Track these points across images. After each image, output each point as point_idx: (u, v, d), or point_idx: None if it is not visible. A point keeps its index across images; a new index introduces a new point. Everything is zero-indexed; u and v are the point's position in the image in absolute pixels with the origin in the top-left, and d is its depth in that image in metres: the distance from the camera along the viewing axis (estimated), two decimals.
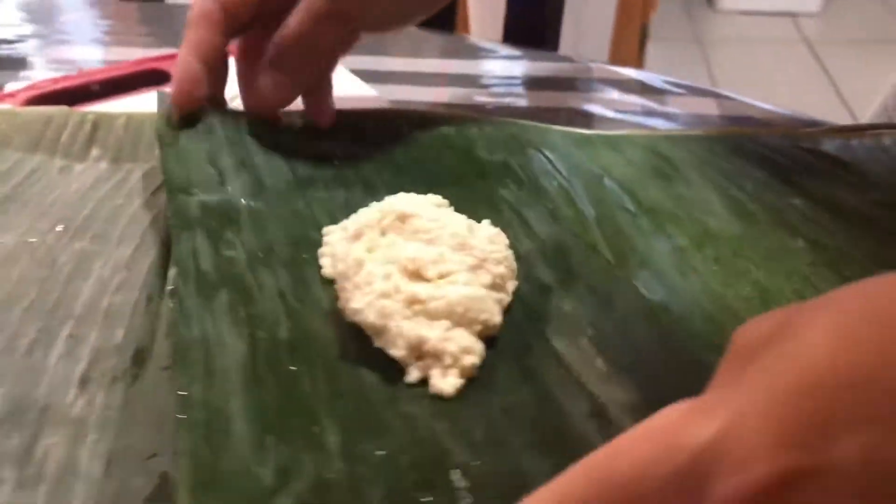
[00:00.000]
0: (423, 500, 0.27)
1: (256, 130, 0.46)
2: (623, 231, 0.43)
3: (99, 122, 0.52)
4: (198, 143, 0.44)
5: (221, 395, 0.30)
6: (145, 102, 0.59)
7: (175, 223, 0.38)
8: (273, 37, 0.44)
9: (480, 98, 0.65)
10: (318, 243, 0.38)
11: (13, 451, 0.29)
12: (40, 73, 0.67)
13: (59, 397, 0.31)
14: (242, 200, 0.40)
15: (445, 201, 0.40)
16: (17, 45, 0.71)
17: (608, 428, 0.30)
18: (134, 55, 0.66)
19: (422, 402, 0.31)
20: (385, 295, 0.32)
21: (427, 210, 0.37)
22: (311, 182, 0.43)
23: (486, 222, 0.38)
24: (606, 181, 0.47)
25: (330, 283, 0.36)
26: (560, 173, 0.47)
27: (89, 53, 0.72)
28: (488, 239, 0.36)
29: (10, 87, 0.61)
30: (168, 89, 0.45)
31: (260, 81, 0.45)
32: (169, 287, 0.36)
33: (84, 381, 0.32)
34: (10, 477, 0.28)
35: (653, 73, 0.71)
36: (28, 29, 0.73)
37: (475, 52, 0.74)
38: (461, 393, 0.31)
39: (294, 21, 0.43)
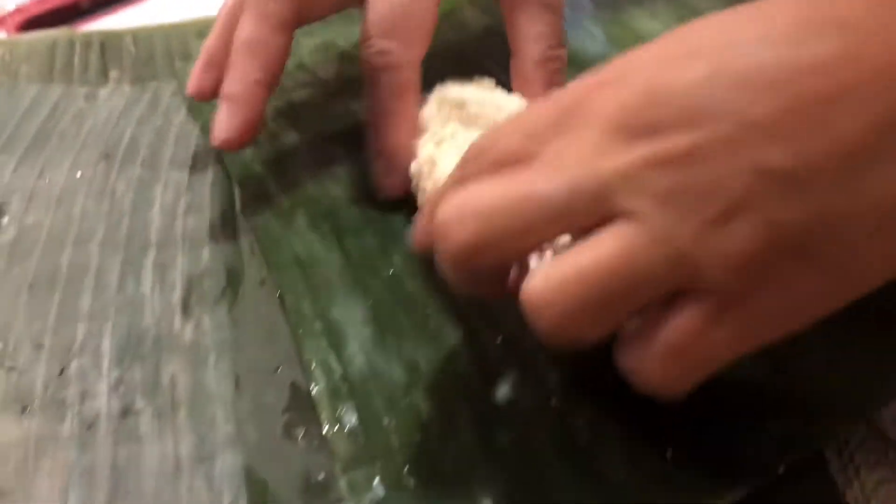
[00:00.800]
0: (554, 377, 0.28)
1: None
2: None
3: (106, 42, 0.51)
4: None
5: (331, 306, 0.31)
6: (141, 14, 0.57)
7: (234, 168, 0.38)
8: None
9: None
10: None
11: (141, 382, 0.30)
12: None
13: (166, 326, 0.32)
14: (289, 129, 0.40)
15: (492, 81, 0.40)
16: None
17: None
18: None
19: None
20: None
21: (480, 94, 0.37)
22: (346, 90, 0.43)
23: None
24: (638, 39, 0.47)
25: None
26: (591, 33, 0.47)
27: None
28: None
29: None
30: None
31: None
32: (238, 204, 0.37)
33: (186, 307, 0.33)
34: (145, 407, 0.29)
35: None
36: None
37: None
38: None
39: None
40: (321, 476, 0.26)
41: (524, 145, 0.23)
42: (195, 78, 0.37)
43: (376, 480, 0.25)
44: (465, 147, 0.33)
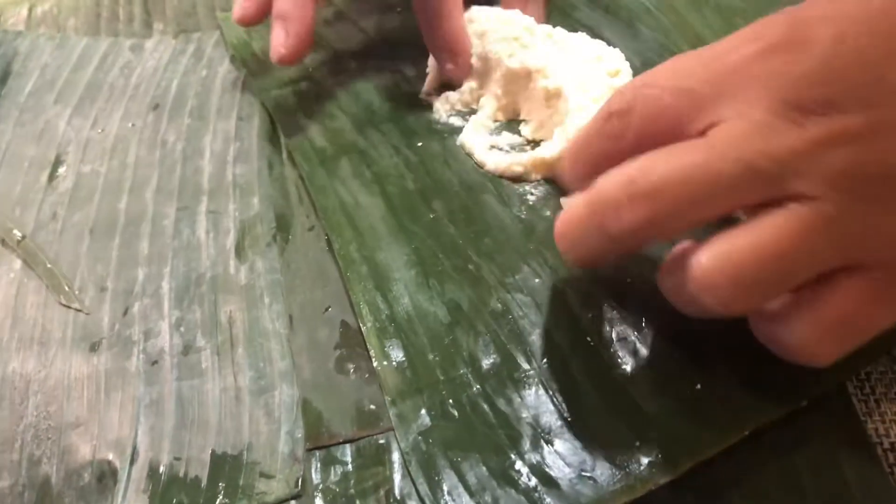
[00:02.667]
0: (589, 315, 0.29)
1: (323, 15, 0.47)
2: (700, 36, 0.43)
3: None
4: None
5: (375, 249, 0.32)
6: None
7: (278, 115, 0.40)
8: None
9: None
10: (414, 92, 0.40)
11: (200, 321, 0.32)
12: None
13: (222, 269, 0.34)
14: (330, 77, 0.41)
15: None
16: None
17: None
18: None
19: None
20: None
21: (486, 11, 0.39)
22: (382, 35, 0.44)
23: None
24: None
25: (436, 130, 0.38)
26: None
27: None
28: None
29: None
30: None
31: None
32: (284, 153, 0.38)
33: (239, 251, 0.34)
34: (206, 345, 0.31)
35: None
36: None
37: None
38: None
39: None
40: (372, 407, 0.28)
41: (680, 108, 0.23)
42: (238, 6, 0.39)
43: (422, 411, 0.27)
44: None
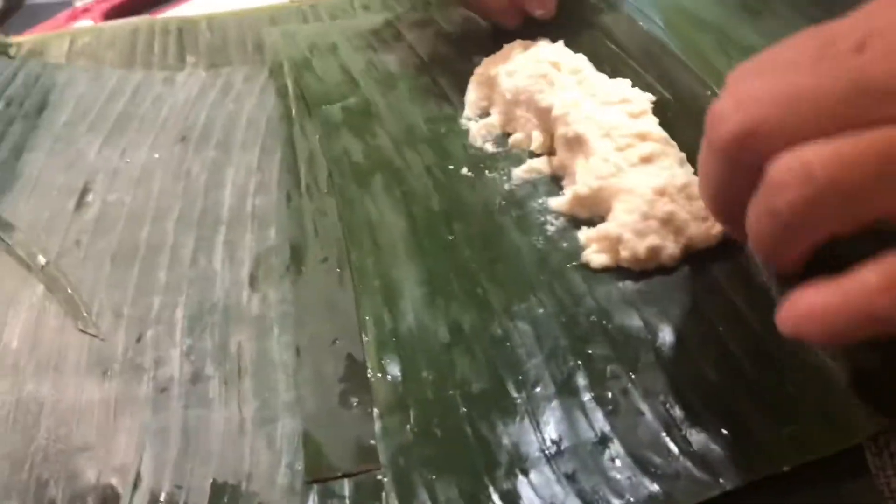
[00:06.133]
0: (588, 351, 0.29)
1: (378, 31, 0.50)
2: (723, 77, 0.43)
3: (183, 27, 0.53)
4: (328, 57, 0.47)
5: (391, 265, 0.33)
6: (217, 0, 0.59)
7: (323, 130, 0.41)
8: None
9: None
10: (454, 116, 0.42)
11: (210, 350, 0.32)
12: None
13: (235, 299, 0.34)
14: (379, 97, 0.43)
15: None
16: None
17: None
18: None
19: (573, 268, 0.33)
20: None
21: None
22: (435, 61, 0.46)
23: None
24: (697, 23, 0.47)
25: (469, 154, 0.39)
26: (652, 20, 0.47)
27: None
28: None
29: (81, 1, 0.61)
30: None
31: None
32: (303, 185, 0.39)
33: (253, 281, 0.35)
34: (214, 373, 0.31)
35: None
36: None
37: None
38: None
39: None
40: (372, 442, 0.28)
41: (813, 49, 0.22)
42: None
43: (407, 427, 0.28)
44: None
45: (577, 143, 0.35)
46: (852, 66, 0.21)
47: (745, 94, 0.22)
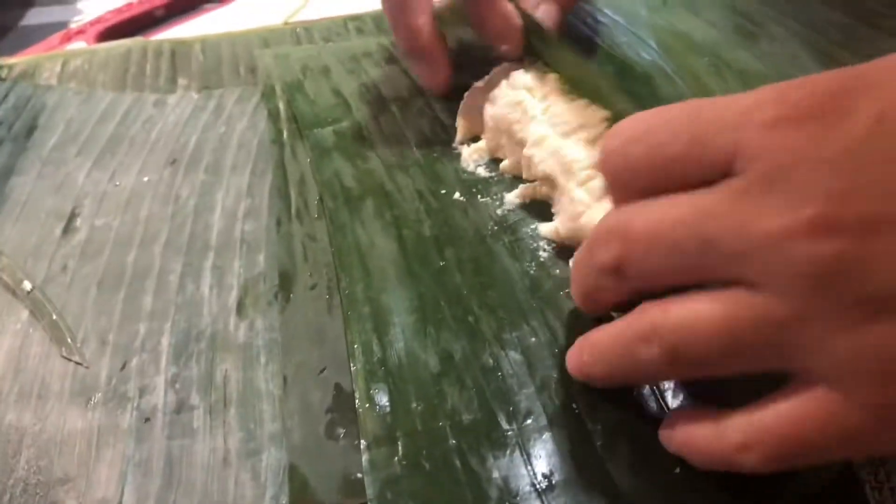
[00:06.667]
0: (581, 382, 0.28)
1: (371, 54, 0.50)
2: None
3: (176, 50, 0.53)
4: (320, 80, 0.47)
5: (381, 291, 0.33)
6: (211, 22, 0.59)
7: (314, 154, 0.41)
8: None
9: None
10: (447, 140, 0.41)
11: (196, 378, 0.31)
12: (97, 3, 0.67)
13: (222, 326, 0.33)
14: (371, 120, 0.43)
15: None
16: None
17: None
18: None
19: (565, 295, 0.32)
20: None
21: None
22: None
23: None
24: (692, 46, 0.47)
25: (462, 179, 0.39)
26: (645, 43, 0.47)
27: None
28: None
29: (75, 22, 0.61)
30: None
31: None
32: (293, 209, 0.38)
33: (241, 308, 0.34)
34: (200, 403, 0.31)
35: None
36: None
37: None
38: None
39: None
40: (358, 475, 0.27)
41: (683, 151, 0.22)
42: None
43: (395, 459, 0.27)
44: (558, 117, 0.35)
45: (548, 182, 0.35)
46: (716, 210, 0.21)
47: (620, 219, 0.23)
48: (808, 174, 0.18)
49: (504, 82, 0.39)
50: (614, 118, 0.34)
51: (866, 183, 0.18)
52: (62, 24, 0.61)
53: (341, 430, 0.29)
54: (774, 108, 0.20)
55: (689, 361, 0.22)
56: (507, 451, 0.27)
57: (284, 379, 0.31)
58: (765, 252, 0.19)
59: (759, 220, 0.19)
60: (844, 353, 0.19)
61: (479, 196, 0.37)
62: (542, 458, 0.26)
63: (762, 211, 0.19)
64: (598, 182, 0.32)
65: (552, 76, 0.37)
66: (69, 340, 0.34)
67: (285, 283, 0.35)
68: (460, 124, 0.41)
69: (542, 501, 0.25)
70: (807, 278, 0.18)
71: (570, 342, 0.30)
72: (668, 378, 0.27)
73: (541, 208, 0.36)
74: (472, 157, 0.40)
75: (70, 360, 0.33)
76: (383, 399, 0.29)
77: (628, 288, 0.24)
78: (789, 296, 0.19)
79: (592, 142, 0.33)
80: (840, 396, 0.19)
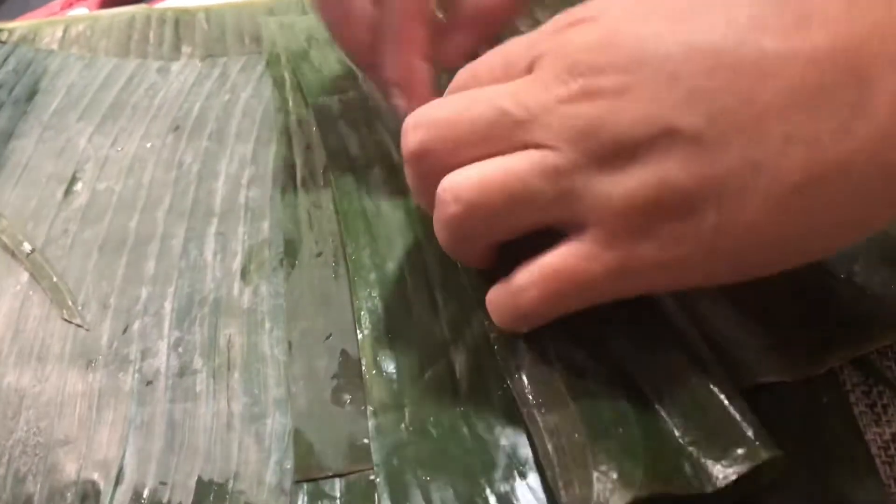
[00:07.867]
0: (593, 348, 0.28)
1: None
2: None
3: (180, 18, 0.52)
4: (326, 50, 0.46)
5: (388, 258, 0.32)
6: None
7: (320, 122, 0.40)
8: None
9: None
10: None
11: (199, 343, 0.31)
12: None
13: (225, 291, 0.33)
14: (378, 91, 0.41)
15: None
16: None
17: None
18: None
19: None
20: None
21: None
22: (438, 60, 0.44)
23: None
24: None
25: None
26: None
27: None
28: None
29: None
30: None
31: None
32: (299, 177, 0.38)
33: (245, 274, 0.34)
34: (203, 367, 0.30)
35: None
36: None
37: None
38: None
39: None
40: (364, 441, 0.27)
41: (498, 72, 0.25)
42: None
43: (402, 425, 0.27)
44: None
45: None
46: (506, 91, 0.24)
47: (424, 114, 0.26)
48: (577, 57, 0.23)
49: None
50: None
51: (616, 59, 0.22)
52: None
53: (347, 397, 0.28)
54: (562, 19, 0.24)
55: (485, 214, 0.24)
56: (516, 420, 0.26)
57: (289, 344, 0.30)
58: (546, 116, 0.23)
59: (542, 93, 0.23)
60: (605, 198, 0.22)
61: None
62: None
63: (546, 87, 0.23)
64: None
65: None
66: (70, 303, 0.33)
67: (290, 249, 0.34)
68: None
69: None
70: (576, 131, 0.22)
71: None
72: (486, 240, 0.26)
73: None
74: None
75: (70, 322, 0.32)
76: (390, 366, 0.28)
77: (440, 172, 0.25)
78: (565, 149, 0.22)
79: None
80: (602, 235, 0.23)
